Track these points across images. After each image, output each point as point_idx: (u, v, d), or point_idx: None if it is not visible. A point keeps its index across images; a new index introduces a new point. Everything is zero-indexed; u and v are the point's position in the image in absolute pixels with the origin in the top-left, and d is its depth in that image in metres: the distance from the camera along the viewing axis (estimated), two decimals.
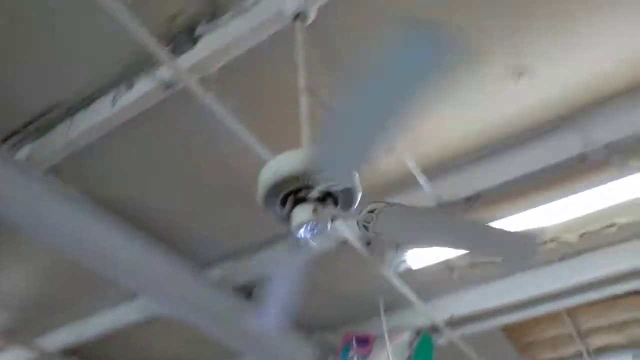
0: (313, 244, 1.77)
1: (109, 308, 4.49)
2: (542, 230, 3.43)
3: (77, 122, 2.81)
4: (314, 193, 1.64)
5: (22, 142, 2.98)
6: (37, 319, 4.70)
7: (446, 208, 3.32)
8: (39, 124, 2.92)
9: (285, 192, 1.69)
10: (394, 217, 1.78)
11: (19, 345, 4.77)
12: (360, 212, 1.74)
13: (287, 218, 1.72)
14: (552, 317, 4.90)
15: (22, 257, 3.90)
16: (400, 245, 3.71)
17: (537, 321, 4.95)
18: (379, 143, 1.45)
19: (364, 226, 1.75)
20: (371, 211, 1.73)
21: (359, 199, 1.72)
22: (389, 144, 1.53)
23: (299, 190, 1.68)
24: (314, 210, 1.66)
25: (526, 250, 2.06)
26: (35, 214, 2.77)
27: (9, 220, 2.80)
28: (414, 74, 1.17)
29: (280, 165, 1.65)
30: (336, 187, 1.63)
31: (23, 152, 2.94)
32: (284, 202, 1.73)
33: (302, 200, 1.68)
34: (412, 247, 3.64)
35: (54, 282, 4.21)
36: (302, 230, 1.69)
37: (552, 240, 3.89)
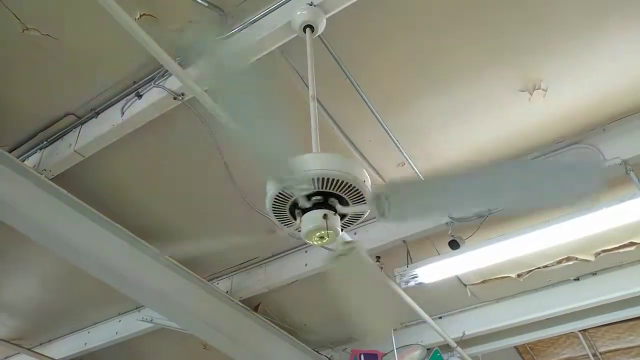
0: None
1: (115, 318, 4.48)
2: None
3: (86, 131, 2.82)
4: (302, 201, 1.59)
5: (31, 150, 3.00)
6: (43, 327, 4.71)
7: (457, 224, 3.25)
8: (48, 133, 2.94)
9: (292, 201, 1.64)
10: (406, 193, 1.69)
11: (25, 353, 4.77)
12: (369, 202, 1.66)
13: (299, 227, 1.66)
14: (568, 338, 4.78)
15: (29, 265, 3.91)
16: (412, 262, 3.63)
17: (552, 341, 4.83)
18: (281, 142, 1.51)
19: (382, 214, 1.65)
20: (378, 197, 1.64)
21: (368, 191, 1.62)
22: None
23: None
24: (324, 216, 1.59)
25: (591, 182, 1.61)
26: (42, 222, 2.76)
27: (16, 227, 2.79)
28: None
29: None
30: (304, 189, 1.56)
31: (31, 160, 2.95)
32: (293, 212, 1.67)
33: (310, 208, 1.62)
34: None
35: (61, 291, 4.22)
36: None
37: (567, 259, 3.79)
